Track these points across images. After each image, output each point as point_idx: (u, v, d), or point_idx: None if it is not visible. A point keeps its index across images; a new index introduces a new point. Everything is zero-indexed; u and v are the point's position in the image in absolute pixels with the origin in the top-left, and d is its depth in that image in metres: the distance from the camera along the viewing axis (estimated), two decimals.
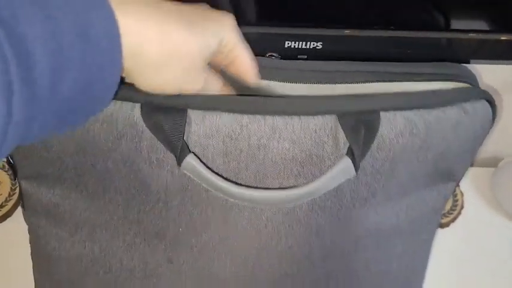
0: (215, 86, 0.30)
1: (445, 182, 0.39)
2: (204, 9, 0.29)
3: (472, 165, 0.52)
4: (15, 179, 0.37)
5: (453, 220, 0.55)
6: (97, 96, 0.25)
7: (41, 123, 0.23)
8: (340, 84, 0.33)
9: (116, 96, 0.30)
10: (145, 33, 0.25)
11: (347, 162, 0.31)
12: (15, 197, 0.52)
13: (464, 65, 0.38)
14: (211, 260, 0.38)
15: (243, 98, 0.30)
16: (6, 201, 0.52)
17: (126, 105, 0.31)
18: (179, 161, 0.30)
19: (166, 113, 0.30)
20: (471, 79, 0.36)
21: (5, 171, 0.54)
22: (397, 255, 0.42)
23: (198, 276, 0.39)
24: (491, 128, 0.37)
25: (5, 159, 0.54)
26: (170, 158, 0.32)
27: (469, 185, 0.58)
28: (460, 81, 0.36)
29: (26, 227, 0.40)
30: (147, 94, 0.30)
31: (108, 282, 0.40)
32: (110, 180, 0.34)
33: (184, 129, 0.30)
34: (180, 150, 0.30)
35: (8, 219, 0.51)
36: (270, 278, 0.39)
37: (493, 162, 0.58)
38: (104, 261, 0.39)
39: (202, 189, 0.34)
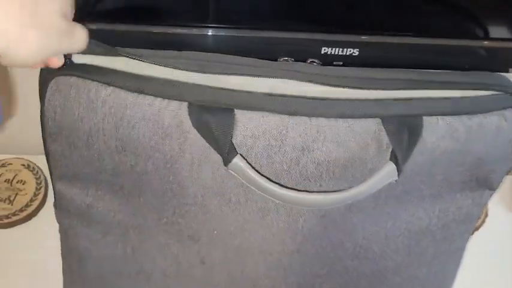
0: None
1: (480, 190, 0.40)
2: None
3: None
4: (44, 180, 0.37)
5: (477, 228, 0.56)
6: None
7: None
8: (380, 91, 0.34)
9: (164, 94, 0.31)
10: None
11: (391, 166, 0.31)
12: (40, 196, 0.53)
13: (504, 74, 0.38)
14: (244, 261, 0.39)
15: (290, 98, 0.31)
16: (31, 200, 0.52)
17: (173, 104, 0.31)
18: (226, 161, 0.31)
19: (214, 112, 0.31)
20: (510, 88, 0.37)
21: (31, 170, 0.54)
22: (428, 261, 0.43)
23: (230, 277, 0.40)
24: None
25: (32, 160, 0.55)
26: (212, 160, 0.33)
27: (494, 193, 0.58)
28: (499, 91, 0.36)
29: (51, 227, 0.41)
30: (195, 92, 0.31)
31: (140, 282, 0.41)
32: (147, 182, 0.35)
33: (233, 130, 0.31)
34: (228, 151, 0.31)
35: (34, 218, 0.52)
36: (301, 280, 0.39)
37: None
38: (136, 261, 0.40)
39: (241, 194, 0.35)
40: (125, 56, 0.32)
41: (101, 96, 0.31)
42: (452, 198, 0.40)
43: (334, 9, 0.39)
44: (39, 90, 0.33)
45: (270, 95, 0.31)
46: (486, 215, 0.57)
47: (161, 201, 0.36)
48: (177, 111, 0.31)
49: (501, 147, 0.36)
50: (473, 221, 0.43)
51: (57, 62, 0.31)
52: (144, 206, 0.37)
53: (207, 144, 0.32)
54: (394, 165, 0.31)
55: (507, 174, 0.60)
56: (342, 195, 0.32)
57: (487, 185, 0.40)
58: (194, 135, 0.32)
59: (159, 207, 0.37)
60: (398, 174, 0.32)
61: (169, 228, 0.38)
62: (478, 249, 0.53)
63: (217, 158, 0.32)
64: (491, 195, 0.42)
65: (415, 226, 0.40)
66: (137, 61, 0.32)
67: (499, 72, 0.39)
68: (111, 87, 0.31)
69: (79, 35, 0.30)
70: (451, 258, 0.44)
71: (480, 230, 0.56)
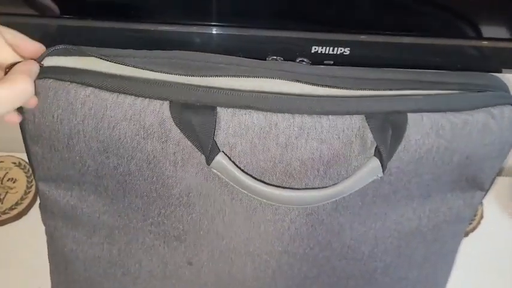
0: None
1: (471, 190, 0.40)
2: None
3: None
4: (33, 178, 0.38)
5: (472, 230, 0.55)
6: None
7: None
8: (368, 91, 0.33)
9: (144, 94, 0.31)
10: None
11: (375, 162, 0.31)
12: (31, 195, 0.53)
13: (496, 74, 0.38)
14: (231, 262, 0.38)
15: (273, 96, 0.31)
16: (21, 199, 0.52)
17: (155, 103, 0.31)
18: (209, 160, 0.31)
19: (196, 110, 0.31)
20: (503, 89, 0.36)
21: (22, 168, 0.54)
22: (418, 263, 0.42)
23: (218, 278, 0.39)
24: None
25: (23, 158, 0.55)
26: (196, 159, 0.33)
27: (489, 195, 0.58)
28: (491, 91, 0.36)
29: (41, 225, 0.41)
30: (176, 91, 0.31)
31: (126, 283, 0.40)
32: (131, 183, 0.35)
33: (215, 128, 0.31)
34: (210, 149, 0.31)
35: (24, 217, 0.52)
36: (289, 281, 0.39)
37: None
38: (122, 262, 0.40)
39: (226, 193, 0.34)
40: (97, 57, 0.32)
41: (79, 98, 0.31)
42: (442, 199, 0.39)
43: (325, 7, 0.39)
44: None
45: (252, 92, 0.31)
46: (482, 217, 0.56)
47: (146, 201, 0.36)
48: (158, 110, 0.31)
49: (489, 146, 0.36)
50: (465, 222, 0.43)
51: (15, 118, 0.32)
52: (129, 207, 0.37)
53: (190, 144, 0.32)
54: (379, 161, 0.31)
55: (499, 174, 0.59)
56: (326, 191, 0.32)
57: (477, 185, 0.40)
58: (177, 134, 0.32)
59: (144, 207, 0.36)
60: (383, 171, 0.32)
61: (155, 229, 0.38)
62: (474, 251, 0.53)
63: (201, 157, 0.32)
64: (483, 196, 0.41)
65: (405, 227, 0.39)
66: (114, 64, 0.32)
67: (491, 72, 0.39)
68: (91, 88, 0.31)
69: (22, 85, 0.28)
70: (442, 260, 0.43)
71: (475, 231, 0.55)
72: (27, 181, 0.53)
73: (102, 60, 0.32)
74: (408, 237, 0.40)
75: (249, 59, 0.34)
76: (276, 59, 0.39)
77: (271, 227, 0.36)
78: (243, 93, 0.31)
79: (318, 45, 0.40)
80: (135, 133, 0.32)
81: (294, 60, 0.39)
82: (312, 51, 0.40)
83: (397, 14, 0.39)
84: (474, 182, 0.39)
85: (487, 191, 0.41)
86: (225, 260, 0.38)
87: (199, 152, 0.32)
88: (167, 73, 0.32)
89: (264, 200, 0.32)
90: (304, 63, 0.40)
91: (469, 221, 0.43)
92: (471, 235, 0.55)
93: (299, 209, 0.35)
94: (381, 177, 0.32)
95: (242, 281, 0.39)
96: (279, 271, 0.38)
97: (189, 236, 0.37)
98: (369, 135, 0.32)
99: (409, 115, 0.33)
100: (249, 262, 0.38)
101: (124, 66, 0.32)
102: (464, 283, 0.50)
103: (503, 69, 0.42)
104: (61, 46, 0.33)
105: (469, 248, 0.53)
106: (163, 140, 0.32)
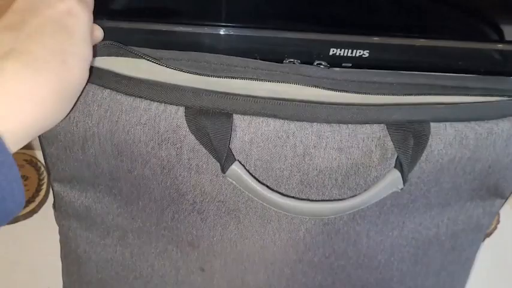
0: None
1: (491, 199, 0.39)
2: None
3: None
4: (47, 176, 0.37)
5: (489, 235, 0.54)
6: None
7: None
8: (388, 96, 0.32)
9: (160, 98, 0.31)
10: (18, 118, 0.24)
11: (395, 174, 0.30)
12: (43, 193, 0.53)
13: None
14: (244, 269, 0.38)
15: (290, 103, 0.30)
16: (33, 197, 0.52)
17: (170, 108, 0.31)
18: (224, 168, 0.30)
19: (212, 117, 0.30)
20: None
21: (33, 166, 0.54)
22: (435, 271, 0.41)
23: (230, 285, 0.39)
24: None
25: (35, 156, 0.55)
26: (210, 165, 0.32)
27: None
28: None
29: (53, 223, 0.41)
30: (192, 97, 0.30)
31: (138, 287, 0.40)
32: (145, 187, 0.35)
33: (230, 135, 0.30)
34: (226, 157, 0.30)
35: (35, 215, 0.52)
36: None
37: None
38: (135, 266, 0.40)
39: (241, 201, 0.34)
40: (137, 56, 0.31)
41: (97, 100, 0.31)
42: (461, 207, 0.38)
43: (343, 9, 0.38)
44: None
45: (270, 98, 0.30)
46: (498, 222, 0.55)
47: (160, 206, 0.36)
48: (173, 116, 0.31)
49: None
50: (483, 230, 0.42)
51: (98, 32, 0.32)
52: (142, 210, 0.36)
53: (204, 150, 0.31)
54: (399, 173, 0.30)
55: None
56: (344, 204, 0.31)
57: (498, 193, 0.39)
58: (191, 140, 0.31)
59: (158, 212, 0.36)
60: (404, 183, 0.31)
61: (169, 233, 0.37)
62: (490, 256, 0.52)
63: (216, 164, 0.32)
64: (503, 204, 0.41)
65: (422, 235, 0.39)
66: (135, 62, 0.32)
67: None
68: (108, 90, 0.31)
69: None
70: (460, 268, 0.43)
71: (491, 237, 0.54)
72: (39, 178, 0.53)
73: (121, 59, 0.32)
74: (425, 245, 0.39)
75: (266, 62, 0.34)
76: (293, 62, 0.38)
77: (286, 236, 0.35)
78: (260, 100, 0.30)
79: (337, 48, 0.39)
80: (150, 138, 0.31)
81: (311, 63, 0.38)
82: (330, 54, 0.39)
83: (417, 15, 0.38)
84: (495, 191, 0.38)
85: (507, 198, 0.40)
86: (238, 267, 0.38)
87: (214, 159, 0.32)
88: (185, 73, 0.31)
89: (279, 211, 0.32)
90: (322, 66, 0.39)
91: (487, 228, 0.42)
92: (487, 240, 0.54)
93: (315, 219, 0.34)
94: (401, 189, 0.31)
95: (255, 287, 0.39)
96: (292, 279, 0.38)
97: (203, 242, 0.37)
98: (390, 145, 0.31)
99: (432, 124, 0.32)
100: (262, 270, 0.38)
101: (143, 67, 0.31)
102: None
103: None
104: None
105: (485, 253, 0.52)
106: (177, 146, 0.32)
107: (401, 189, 0.32)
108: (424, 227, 0.38)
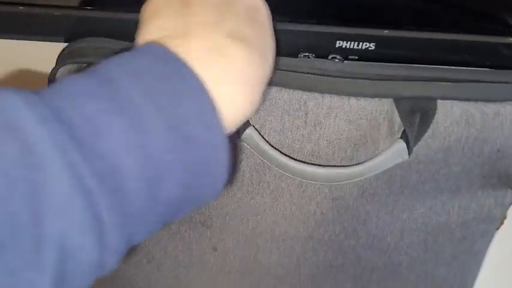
0: None
1: (503, 189, 0.39)
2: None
3: None
4: None
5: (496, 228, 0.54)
6: (204, 190, 0.22)
7: (141, 234, 0.21)
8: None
9: None
10: (235, 101, 0.23)
11: (400, 144, 0.32)
12: None
13: None
14: (256, 247, 0.39)
15: (303, 75, 0.32)
16: None
17: None
18: (239, 133, 0.32)
19: None
20: None
21: None
22: (446, 260, 0.42)
23: (242, 264, 0.40)
24: None
25: None
26: None
27: None
28: None
29: None
30: None
31: (151, 270, 0.42)
32: None
33: None
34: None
35: None
36: (314, 269, 0.40)
37: None
38: (147, 249, 0.41)
39: (254, 176, 0.36)
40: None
41: None
42: (472, 195, 0.39)
43: (350, 1, 0.40)
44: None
45: (283, 70, 0.32)
46: (505, 217, 0.55)
47: None
48: None
49: None
50: (495, 222, 0.42)
51: None
52: None
53: None
54: (405, 144, 0.32)
55: None
56: (351, 169, 0.33)
57: (510, 183, 0.39)
58: None
59: None
60: (409, 154, 0.32)
61: None
62: (495, 250, 0.50)
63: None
64: None
65: (433, 221, 0.40)
66: None
67: None
68: None
69: None
70: (471, 259, 0.43)
71: (499, 231, 0.53)
72: None
73: None
74: (436, 231, 0.40)
75: (280, 57, 0.34)
76: (308, 56, 0.40)
77: (298, 211, 0.37)
78: (274, 70, 0.32)
79: (343, 40, 0.40)
80: None
81: (326, 57, 0.40)
82: (337, 46, 0.41)
83: (424, 8, 0.40)
84: (507, 180, 0.39)
85: None
86: (250, 245, 0.39)
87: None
88: None
89: (290, 176, 0.33)
90: (336, 60, 0.41)
91: (499, 220, 0.42)
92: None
93: (325, 193, 0.36)
94: (407, 161, 0.33)
95: (267, 267, 0.40)
96: (303, 257, 0.39)
97: (215, 221, 0.39)
98: (397, 119, 0.33)
99: (439, 102, 0.33)
100: (274, 247, 0.39)
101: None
102: (487, 284, 0.48)
103: None
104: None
105: (491, 246, 0.51)
106: None
107: (409, 164, 0.33)
108: (434, 213, 0.39)
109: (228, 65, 0.23)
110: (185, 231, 0.40)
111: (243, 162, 0.35)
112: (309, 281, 0.41)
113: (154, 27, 0.24)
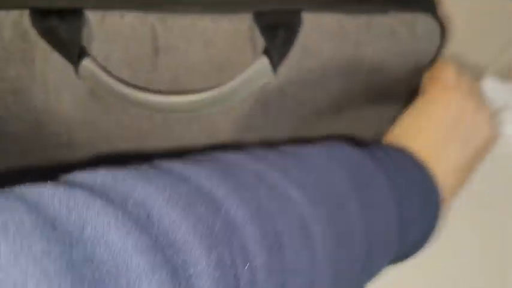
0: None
1: (386, 102, 0.39)
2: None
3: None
4: None
5: None
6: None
7: None
8: None
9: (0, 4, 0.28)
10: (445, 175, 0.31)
11: (263, 61, 0.30)
12: None
13: None
14: None
15: None
16: None
17: (13, 14, 0.29)
18: (76, 67, 0.28)
19: (61, 15, 0.28)
20: (431, 9, 0.35)
21: None
22: None
23: None
24: (440, 48, 0.37)
25: None
26: (70, 81, 0.30)
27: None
28: (418, 11, 0.34)
29: None
30: None
31: None
32: (1, 124, 0.32)
33: (82, 32, 0.28)
34: (78, 57, 0.28)
35: None
36: None
37: None
38: None
39: (112, 120, 0.32)
40: None
41: None
42: (356, 113, 0.39)
43: None
44: None
45: None
46: None
47: (21, 146, 0.33)
48: (18, 21, 0.29)
49: (401, 56, 0.35)
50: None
51: None
52: (2, 153, 0.33)
53: (61, 60, 0.29)
54: (267, 60, 0.30)
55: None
56: (213, 93, 0.30)
57: (392, 97, 0.39)
58: (43, 48, 0.29)
59: (20, 153, 0.33)
60: (274, 71, 0.30)
61: (39, 174, 0.34)
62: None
63: (75, 77, 0.30)
64: (401, 110, 0.40)
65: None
66: None
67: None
68: None
69: None
70: None
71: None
72: None
73: None
74: None
75: None
76: None
77: (168, 152, 0.33)
78: None
79: None
80: None
81: None
82: None
83: None
84: (388, 94, 0.38)
85: (403, 105, 0.40)
86: None
87: (72, 71, 0.29)
88: None
89: (150, 112, 0.30)
90: None
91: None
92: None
93: (196, 131, 0.32)
94: (279, 84, 0.31)
95: None
96: None
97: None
98: (261, 41, 0.31)
99: (305, 15, 0.31)
100: None
101: None
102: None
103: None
104: None
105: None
106: (29, 58, 0.29)
107: (282, 87, 0.31)
108: (320, 136, 0.37)
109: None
110: None
111: (95, 104, 0.31)
112: None
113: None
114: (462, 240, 0.44)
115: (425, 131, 0.33)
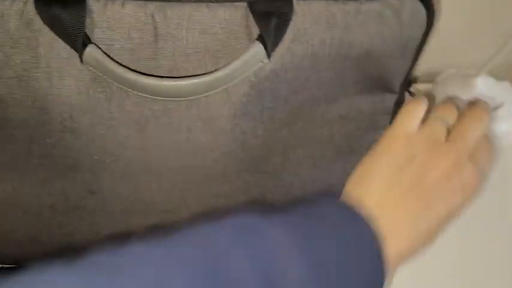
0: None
1: (379, 93, 0.40)
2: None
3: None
4: None
5: None
6: None
7: None
8: None
9: None
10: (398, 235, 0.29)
11: (258, 46, 0.32)
12: None
13: None
14: (136, 185, 0.38)
15: None
16: None
17: (18, 2, 0.30)
18: (80, 54, 0.30)
19: (64, 4, 0.30)
20: None
21: None
22: (337, 175, 0.42)
23: (124, 203, 0.39)
24: (426, 33, 0.38)
25: None
26: (73, 67, 0.32)
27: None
28: None
29: None
30: None
31: (29, 221, 0.39)
32: (4, 110, 0.33)
33: (85, 20, 0.30)
34: (82, 44, 0.30)
35: None
36: (201, 201, 0.39)
37: (430, 77, 0.58)
38: (20, 200, 0.39)
39: (113, 106, 0.34)
40: None
41: None
42: (350, 103, 0.40)
43: None
44: None
45: None
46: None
47: (26, 132, 0.35)
48: (22, 10, 0.30)
49: (390, 42, 0.37)
50: (380, 129, 0.43)
51: None
52: (8, 143, 0.35)
53: (64, 47, 0.31)
54: (262, 45, 0.31)
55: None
56: (209, 77, 0.32)
57: (385, 86, 0.40)
58: (47, 36, 0.31)
59: (25, 139, 0.35)
60: (268, 56, 0.32)
61: (44, 161, 0.37)
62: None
63: (79, 64, 0.31)
64: (395, 99, 0.42)
65: (316, 134, 0.40)
66: None
67: None
68: None
69: None
70: None
71: None
72: None
73: None
74: (321, 146, 0.41)
75: None
76: None
77: (168, 139, 0.35)
78: None
79: None
80: (1, 43, 0.30)
81: None
82: None
83: None
84: (381, 83, 0.40)
85: (397, 93, 0.42)
86: (127, 183, 0.38)
87: (76, 57, 0.31)
88: None
89: (151, 98, 0.31)
90: None
91: (383, 128, 0.43)
92: None
93: (194, 115, 0.34)
94: (273, 71, 0.32)
95: (151, 203, 0.38)
96: (187, 190, 0.38)
97: (83, 162, 0.37)
98: (255, 29, 0.32)
99: (296, 2, 0.33)
100: (154, 182, 0.38)
101: None
102: None
103: None
104: None
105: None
106: (33, 45, 0.31)
107: (276, 74, 0.33)
108: (316, 126, 0.39)
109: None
110: (54, 177, 0.37)
111: (98, 91, 0.33)
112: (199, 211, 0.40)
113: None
114: (457, 236, 0.42)
115: (372, 182, 0.31)
